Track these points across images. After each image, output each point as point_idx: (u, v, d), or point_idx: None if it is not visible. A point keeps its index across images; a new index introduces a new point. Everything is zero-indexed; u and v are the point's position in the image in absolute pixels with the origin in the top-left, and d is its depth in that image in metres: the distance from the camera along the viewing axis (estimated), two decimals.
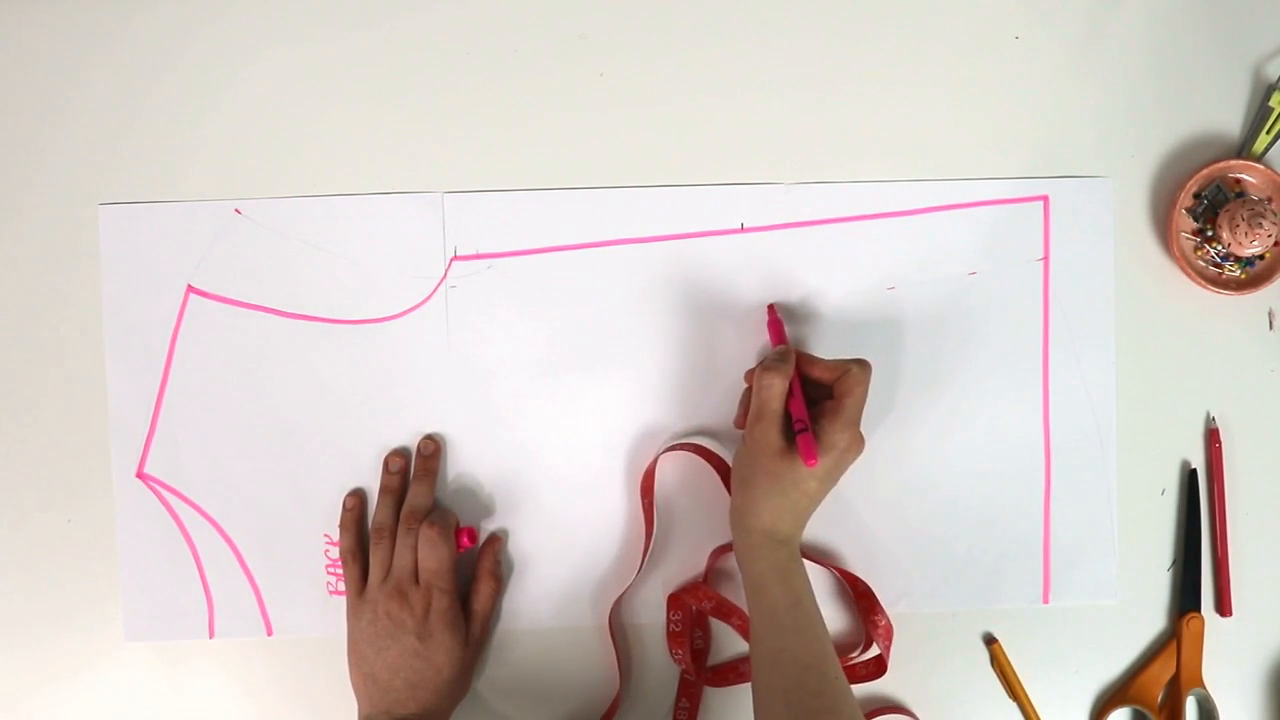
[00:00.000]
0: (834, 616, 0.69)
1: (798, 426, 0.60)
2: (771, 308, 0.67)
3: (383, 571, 0.65)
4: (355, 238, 0.68)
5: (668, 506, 0.68)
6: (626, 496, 0.68)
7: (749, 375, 0.65)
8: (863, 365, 0.62)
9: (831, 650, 0.59)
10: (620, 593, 0.67)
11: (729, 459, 0.68)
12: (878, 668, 0.68)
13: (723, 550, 0.68)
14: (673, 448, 0.67)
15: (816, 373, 0.63)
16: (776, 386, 0.61)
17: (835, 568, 0.68)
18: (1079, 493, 0.69)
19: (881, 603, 0.68)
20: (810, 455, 0.59)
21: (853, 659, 0.68)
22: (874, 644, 0.68)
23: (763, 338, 0.68)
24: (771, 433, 0.61)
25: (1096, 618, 0.70)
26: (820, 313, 0.68)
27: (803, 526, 0.62)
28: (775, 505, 0.60)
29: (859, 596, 0.68)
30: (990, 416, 0.69)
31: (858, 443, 0.61)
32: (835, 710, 0.57)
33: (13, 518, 0.68)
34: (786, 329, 0.67)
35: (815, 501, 0.62)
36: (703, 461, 0.68)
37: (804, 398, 0.62)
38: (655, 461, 0.67)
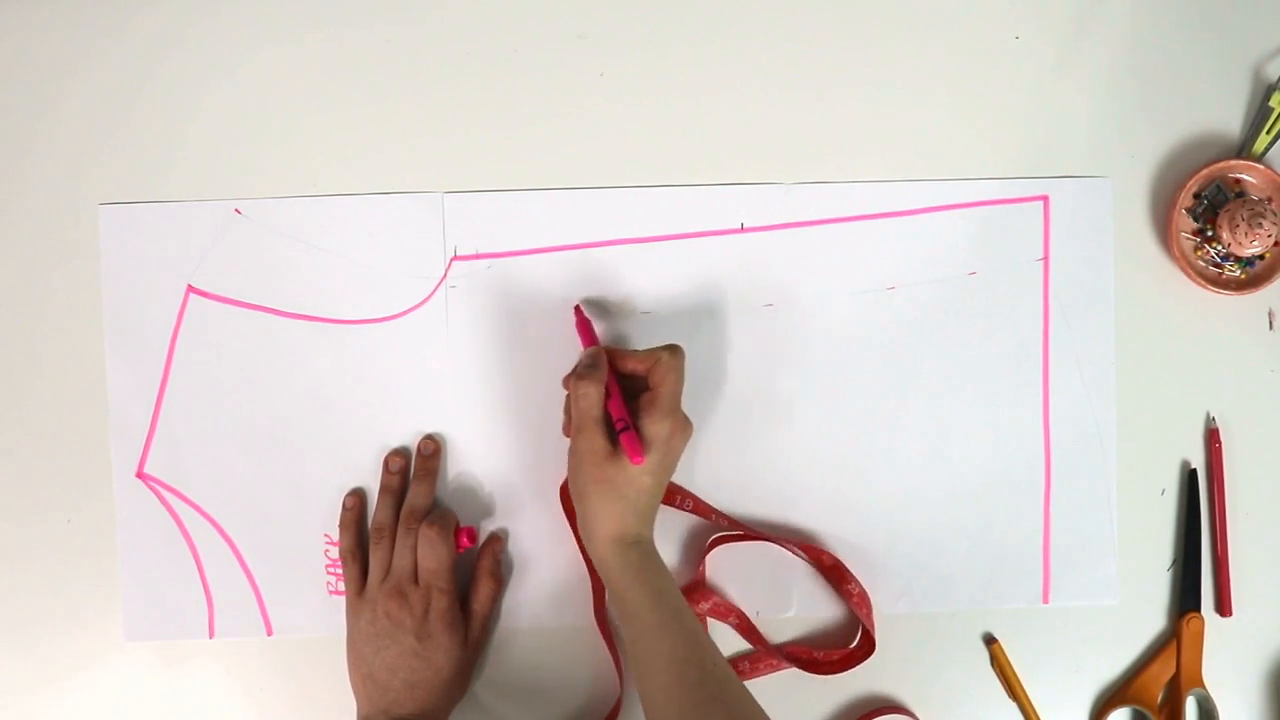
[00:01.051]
0: (829, 610, 0.69)
1: (619, 426, 0.60)
2: (578, 308, 0.66)
3: (382, 571, 0.65)
4: (355, 238, 0.68)
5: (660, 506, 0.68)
6: None
7: (566, 382, 0.63)
8: (673, 351, 0.62)
9: (705, 640, 0.59)
10: (590, 594, 0.68)
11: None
12: (867, 645, 0.68)
13: (716, 543, 0.68)
14: None
15: (630, 366, 0.62)
16: (592, 395, 0.61)
17: (792, 543, 0.67)
18: (1079, 493, 0.69)
19: (853, 571, 0.68)
20: (635, 453, 0.59)
21: (850, 648, 0.68)
22: (860, 625, 0.68)
23: (764, 335, 0.68)
24: (595, 440, 0.60)
25: (1096, 618, 0.70)
26: (820, 313, 0.68)
27: (650, 522, 0.62)
28: (615, 510, 0.60)
29: (827, 570, 0.68)
30: (990, 416, 0.69)
31: (682, 428, 0.61)
32: (721, 698, 0.57)
33: (13, 518, 0.68)
34: (596, 327, 0.66)
35: (655, 496, 0.61)
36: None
37: (622, 394, 0.62)
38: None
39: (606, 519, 0.60)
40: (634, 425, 0.60)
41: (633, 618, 0.60)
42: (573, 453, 0.62)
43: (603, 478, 0.60)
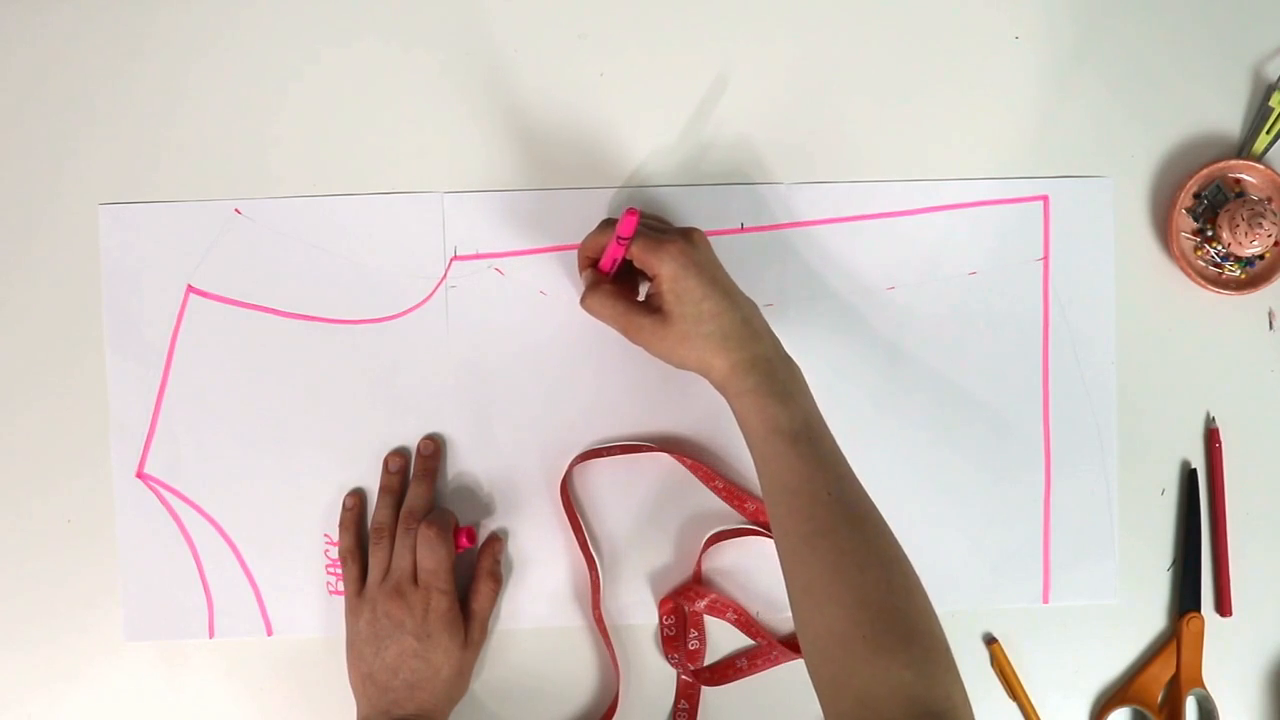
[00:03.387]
0: None
1: (605, 263, 0.60)
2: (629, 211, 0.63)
3: (381, 572, 0.65)
4: (355, 238, 0.68)
5: (651, 507, 0.68)
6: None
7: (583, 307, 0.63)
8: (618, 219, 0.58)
9: (825, 466, 0.55)
10: (590, 593, 0.68)
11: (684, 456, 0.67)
12: None
13: (713, 541, 0.68)
14: (586, 455, 0.67)
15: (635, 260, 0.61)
16: (600, 302, 0.61)
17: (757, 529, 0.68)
18: (1079, 493, 0.69)
19: None
20: (627, 225, 0.56)
21: None
22: None
23: None
24: (641, 322, 0.59)
25: (1096, 618, 0.70)
26: (820, 313, 0.68)
27: (754, 335, 0.58)
28: (707, 348, 0.58)
29: None
30: (990, 417, 0.69)
31: (684, 234, 0.60)
32: (831, 530, 0.53)
33: (13, 518, 0.68)
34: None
35: (727, 312, 0.58)
36: (681, 458, 0.68)
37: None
38: (568, 472, 0.67)
39: (714, 360, 0.58)
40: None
41: (753, 447, 0.57)
42: (643, 343, 0.60)
43: (677, 336, 0.58)
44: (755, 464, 0.57)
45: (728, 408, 0.68)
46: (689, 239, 0.60)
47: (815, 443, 0.56)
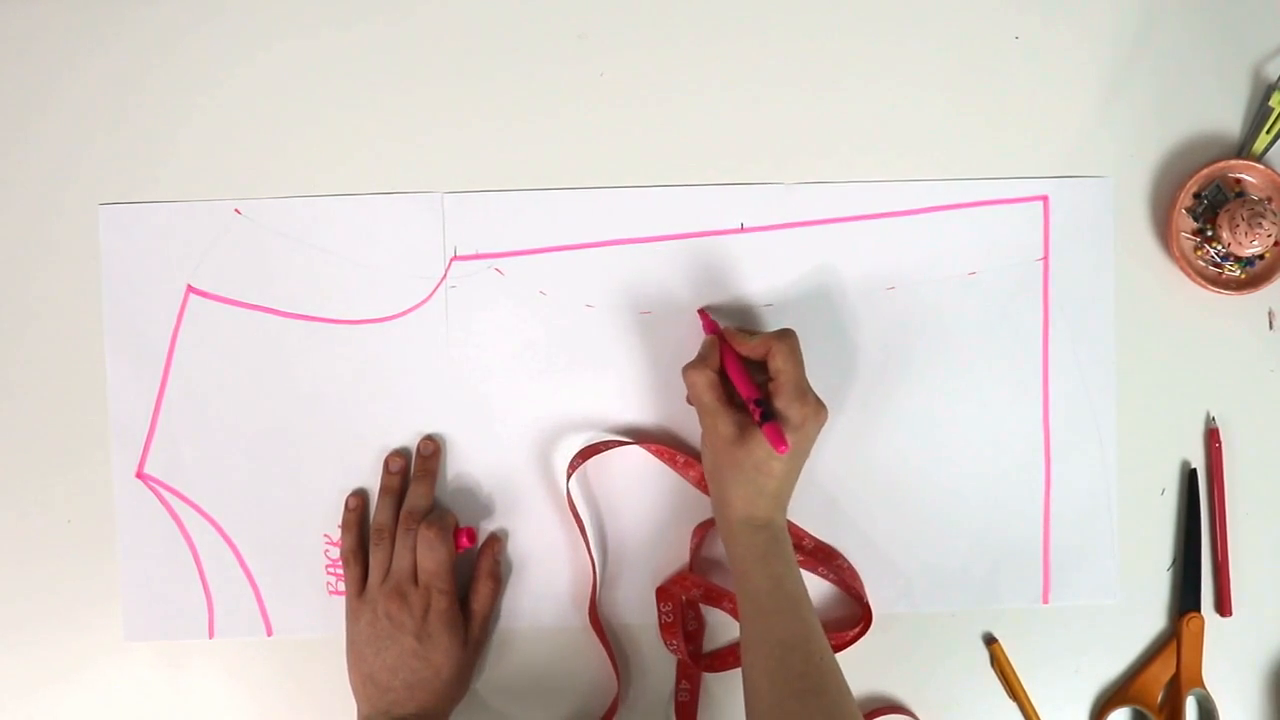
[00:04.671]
0: (828, 601, 0.69)
1: (756, 417, 0.60)
2: (702, 311, 0.67)
3: (382, 572, 0.65)
4: (355, 238, 0.68)
5: (642, 501, 0.68)
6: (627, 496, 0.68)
7: (684, 371, 0.64)
8: (782, 336, 0.61)
9: (817, 631, 0.59)
10: (589, 593, 0.68)
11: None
12: (865, 617, 0.68)
13: (703, 529, 0.68)
14: (587, 451, 0.67)
15: (744, 353, 0.63)
16: (700, 380, 0.61)
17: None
18: (1079, 493, 0.69)
19: (833, 546, 0.68)
20: (778, 443, 0.58)
21: (849, 635, 0.68)
22: (855, 605, 0.68)
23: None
24: (718, 424, 0.61)
25: (1096, 618, 0.70)
26: (820, 313, 0.68)
27: (782, 507, 0.62)
28: (745, 493, 0.60)
29: (811, 554, 0.68)
30: (990, 416, 0.69)
31: (816, 413, 0.61)
32: (821, 690, 0.57)
33: (13, 518, 0.68)
34: (720, 322, 0.66)
35: (786, 482, 0.61)
36: (674, 457, 0.67)
37: (749, 377, 0.62)
38: (571, 469, 0.67)
39: (736, 500, 0.60)
40: (771, 412, 0.60)
41: (750, 598, 0.60)
42: (703, 434, 0.63)
43: (732, 461, 0.60)
44: (745, 614, 0.60)
45: None
46: (821, 416, 0.61)
47: (810, 608, 0.60)
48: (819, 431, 0.62)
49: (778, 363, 0.61)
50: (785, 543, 0.61)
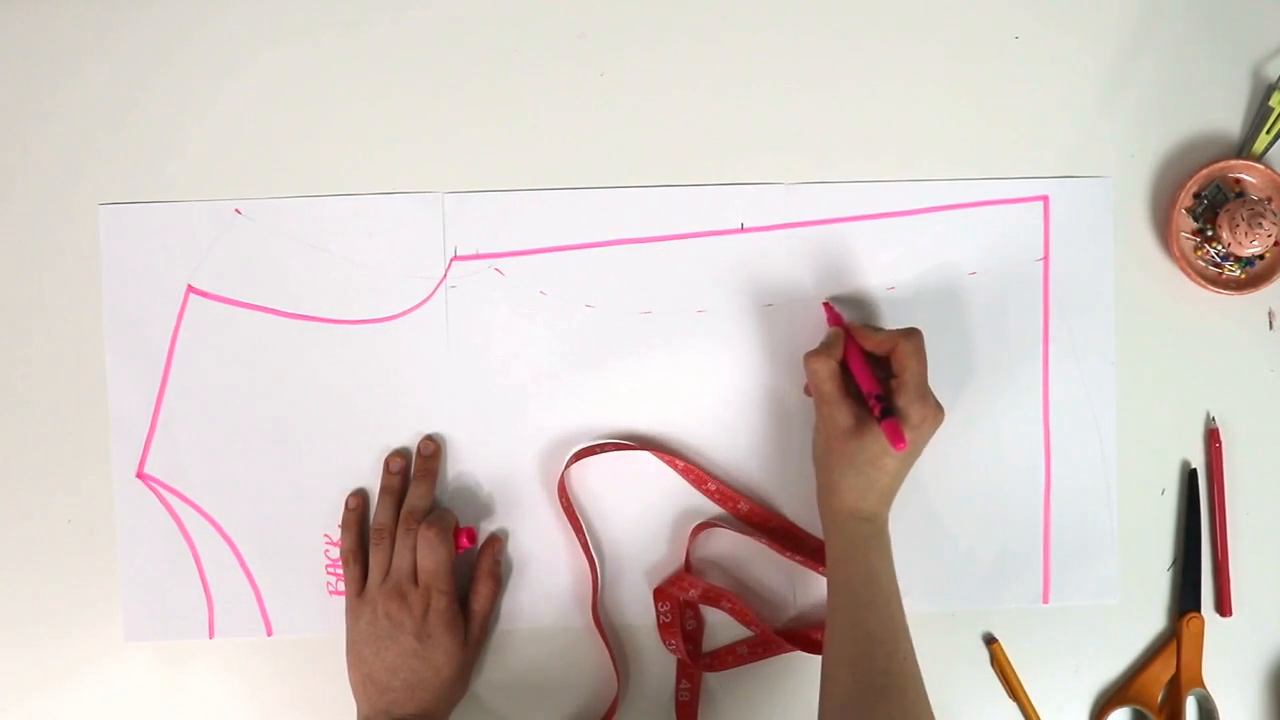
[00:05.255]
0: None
1: (876, 412, 0.60)
2: (827, 304, 0.67)
3: (382, 572, 0.65)
4: (355, 238, 0.68)
5: (650, 506, 0.68)
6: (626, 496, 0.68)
7: (806, 359, 0.64)
8: (909, 335, 0.62)
9: (906, 631, 0.59)
10: (589, 593, 0.68)
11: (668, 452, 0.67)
12: None
13: (700, 530, 0.68)
14: (584, 452, 0.67)
15: (869, 345, 0.63)
16: (822, 369, 0.62)
17: (770, 536, 0.67)
18: (1079, 493, 0.69)
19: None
20: (896, 439, 0.58)
21: None
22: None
23: (763, 335, 0.68)
24: (837, 414, 0.61)
25: (1096, 618, 0.70)
26: (820, 313, 0.68)
27: (888, 503, 0.62)
28: (855, 485, 0.61)
29: (812, 554, 0.68)
30: (990, 416, 0.69)
31: (934, 414, 0.61)
32: (902, 690, 0.57)
33: (13, 518, 0.68)
34: (844, 315, 0.67)
35: (897, 478, 0.61)
36: (673, 461, 0.68)
37: (872, 372, 0.62)
38: (566, 470, 0.67)
39: (845, 491, 0.61)
40: (892, 408, 0.60)
41: (843, 588, 0.60)
42: (817, 422, 0.63)
43: (846, 453, 0.60)
44: (836, 605, 0.60)
45: (723, 410, 0.68)
46: (939, 418, 0.61)
47: (901, 607, 0.60)
48: (934, 433, 0.62)
49: (903, 361, 0.61)
50: (886, 539, 0.61)
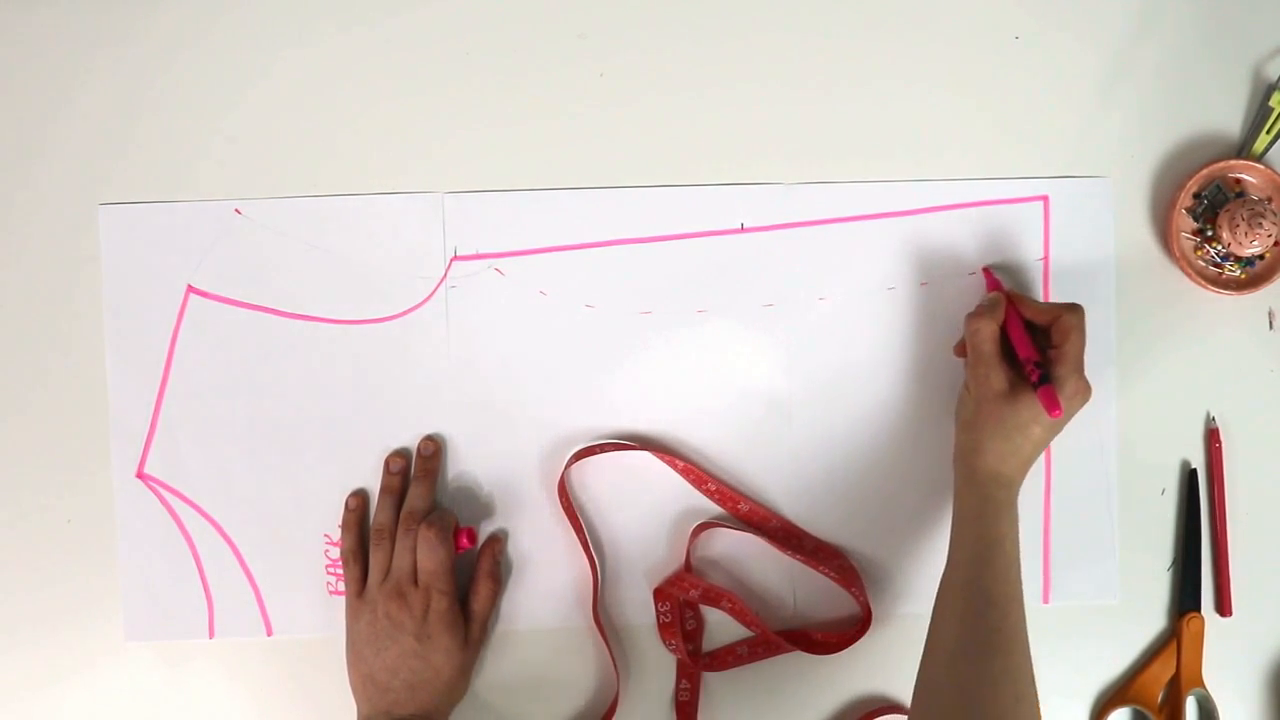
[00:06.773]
0: (824, 599, 0.69)
1: (1034, 378, 0.60)
2: (986, 269, 0.68)
3: (382, 573, 0.65)
4: (355, 238, 0.68)
5: (651, 506, 0.68)
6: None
7: (967, 317, 0.64)
8: (1074, 310, 0.62)
9: (1020, 599, 0.59)
10: (589, 593, 0.68)
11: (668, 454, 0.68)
12: (865, 617, 0.68)
13: (700, 530, 0.68)
14: (584, 452, 0.67)
15: (1029, 314, 0.63)
16: (984, 330, 0.62)
17: (772, 536, 0.67)
18: (1079, 492, 0.69)
19: (834, 545, 0.68)
20: (1053, 407, 0.59)
21: (849, 635, 0.68)
22: (855, 606, 0.67)
23: (763, 335, 0.68)
24: (992, 376, 0.61)
25: (1096, 618, 0.70)
26: (820, 313, 0.68)
27: (1025, 472, 0.62)
28: (1000, 448, 0.61)
29: (811, 555, 0.68)
30: None
31: (1084, 389, 0.61)
32: (1009, 651, 0.57)
33: (13, 518, 0.68)
34: (1003, 283, 0.67)
35: (1039, 447, 0.62)
36: (673, 461, 0.68)
37: (1030, 339, 0.62)
38: (566, 470, 0.67)
39: (989, 452, 0.61)
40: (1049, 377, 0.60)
41: (967, 546, 0.60)
42: (968, 382, 0.63)
43: (996, 416, 0.61)
44: (956, 561, 0.61)
45: (724, 410, 0.68)
46: (1088, 394, 0.62)
47: (1020, 577, 0.60)
48: (1080, 409, 0.62)
49: (1066, 332, 0.61)
50: (1015, 507, 0.61)
